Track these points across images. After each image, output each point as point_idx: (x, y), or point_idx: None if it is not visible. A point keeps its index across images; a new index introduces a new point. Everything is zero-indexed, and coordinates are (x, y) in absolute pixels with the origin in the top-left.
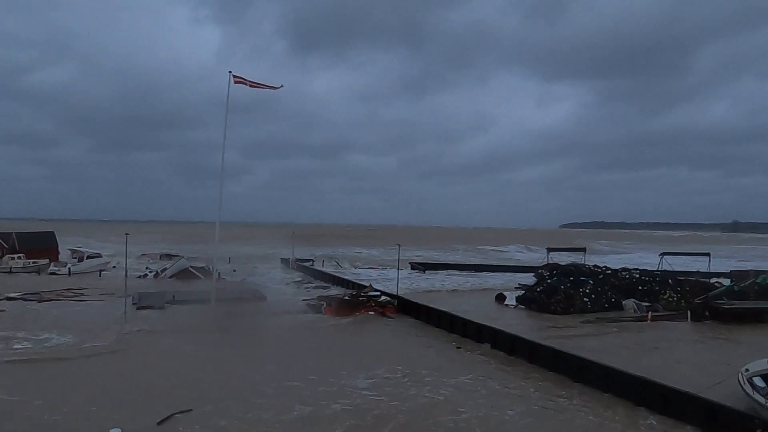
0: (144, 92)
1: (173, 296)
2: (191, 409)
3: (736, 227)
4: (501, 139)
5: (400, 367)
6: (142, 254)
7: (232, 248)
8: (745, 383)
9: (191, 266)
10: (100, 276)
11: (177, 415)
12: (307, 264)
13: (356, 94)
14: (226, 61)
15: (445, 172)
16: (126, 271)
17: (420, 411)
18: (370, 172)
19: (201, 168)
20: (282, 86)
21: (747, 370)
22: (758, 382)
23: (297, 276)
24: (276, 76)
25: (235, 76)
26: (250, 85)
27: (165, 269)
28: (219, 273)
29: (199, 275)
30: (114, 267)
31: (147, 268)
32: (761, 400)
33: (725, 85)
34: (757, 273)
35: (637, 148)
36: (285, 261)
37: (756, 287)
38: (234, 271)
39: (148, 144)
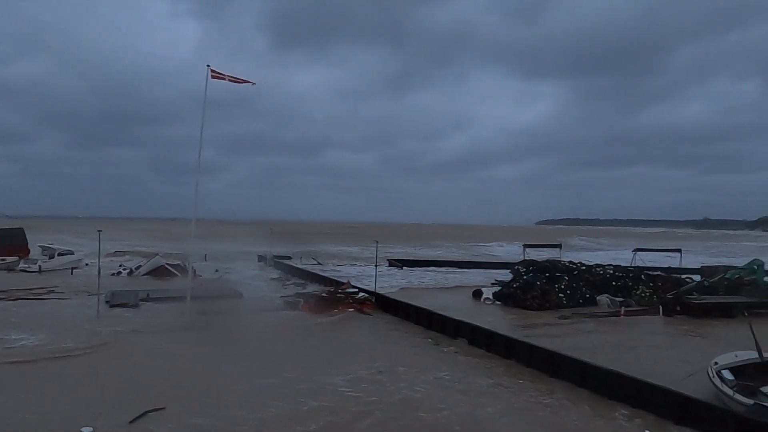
0: (121, 87)
1: (148, 294)
2: (164, 407)
3: (706, 224)
4: (480, 137)
5: (377, 364)
6: (116, 251)
7: (209, 245)
8: (714, 376)
9: (167, 263)
10: (72, 274)
11: (150, 413)
12: (284, 261)
13: (337, 91)
14: (205, 56)
15: (425, 170)
16: (99, 269)
17: (398, 408)
18: (350, 169)
19: (178, 164)
20: (255, 84)
21: (716, 363)
22: (726, 374)
23: (274, 273)
24: (256, 72)
25: (212, 71)
26: (229, 80)
27: (140, 266)
28: (195, 270)
29: (176, 272)
30: (87, 264)
31: (121, 265)
32: (729, 391)
33: (699, 85)
34: (726, 269)
35: (613, 147)
36: (262, 258)
37: (725, 282)
38: (216, 271)
39: (125, 140)
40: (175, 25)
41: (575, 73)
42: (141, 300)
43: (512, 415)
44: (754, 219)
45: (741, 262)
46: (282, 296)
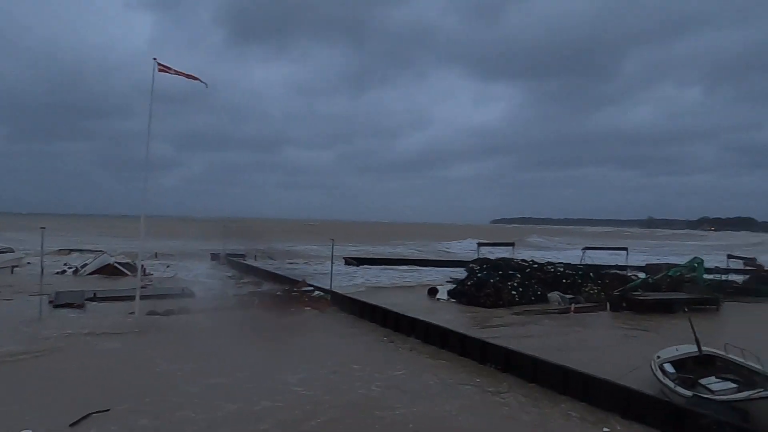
0: (69, 78)
1: (95, 293)
2: (109, 409)
3: (651, 223)
4: (437, 136)
5: (331, 363)
6: (61, 249)
7: (160, 242)
8: (656, 369)
9: (115, 261)
10: (12, 273)
11: (94, 414)
12: (239, 259)
13: (295, 88)
14: (159, 49)
15: (383, 168)
16: (42, 267)
17: (352, 406)
18: (307, 166)
19: (129, 159)
20: (207, 86)
21: (658, 357)
22: (668, 367)
23: (228, 271)
24: (212, 66)
25: (159, 64)
26: (175, 73)
27: (86, 265)
28: (145, 268)
29: (125, 271)
30: (29, 263)
31: (66, 263)
32: (670, 384)
33: (646, 90)
34: (669, 266)
35: (566, 148)
36: (216, 256)
37: (668, 279)
38: (168, 267)
39: (72, 133)
40: (128, 15)
41: (531, 75)
42: (87, 300)
43: (468, 411)
44: (695, 219)
45: (683, 260)
46: (236, 295)
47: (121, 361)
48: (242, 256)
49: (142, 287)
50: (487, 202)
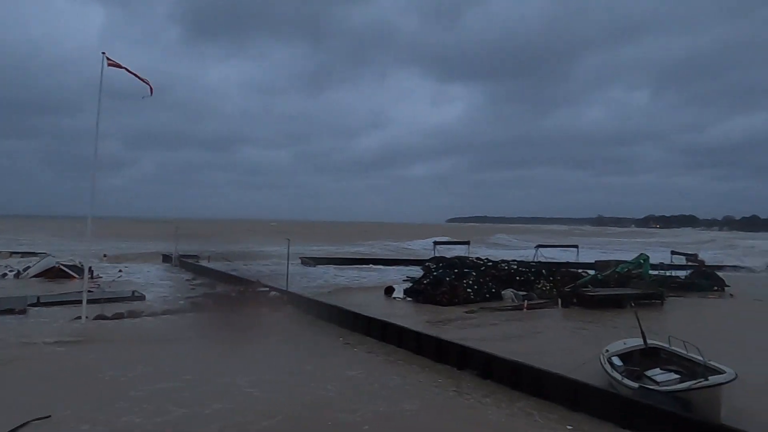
0: (12, 72)
1: (38, 298)
2: (49, 416)
3: (600, 222)
4: (396, 136)
5: (285, 364)
6: (0, 251)
7: (110, 244)
8: (605, 363)
9: (61, 263)
10: None
11: (33, 422)
12: (192, 261)
13: (253, 87)
14: (110, 44)
15: (341, 168)
16: None
17: (306, 407)
18: (264, 165)
19: (77, 158)
20: (151, 93)
21: (607, 350)
22: (616, 361)
23: (181, 273)
24: (168, 64)
25: (108, 59)
26: (125, 70)
27: (29, 267)
28: (92, 271)
29: (72, 274)
30: None
31: (7, 266)
32: (618, 376)
33: (599, 92)
34: (618, 263)
35: (520, 148)
36: (168, 258)
37: (616, 275)
38: (120, 271)
39: (16, 131)
40: (78, 8)
41: (488, 76)
42: (30, 305)
43: (425, 410)
44: (642, 217)
45: (630, 256)
46: (188, 297)
47: (64, 368)
48: (195, 257)
49: (89, 291)
50: (443, 201)
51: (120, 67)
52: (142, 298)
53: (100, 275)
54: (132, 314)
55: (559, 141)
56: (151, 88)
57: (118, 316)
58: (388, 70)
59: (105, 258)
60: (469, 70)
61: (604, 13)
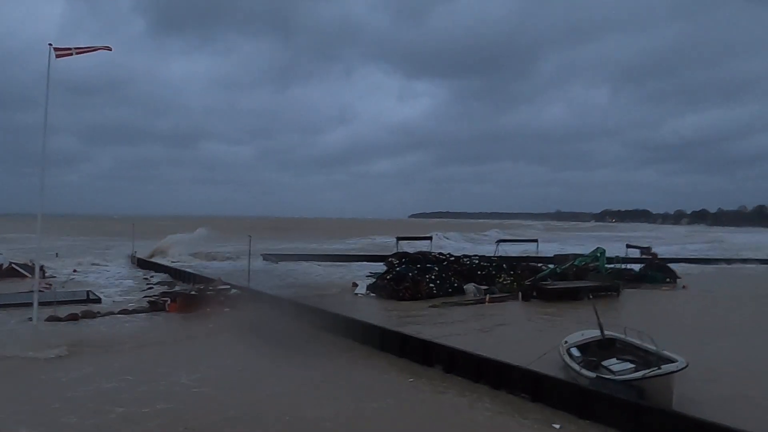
0: None
1: None
2: None
3: (559, 216)
4: (360, 132)
5: (241, 361)
6: None
7: (65, 242)
8: (564, 353)
9: (12, 262)
10: None
11: None
12: (150, 259)
13: (217, 81)
14: (70, 36)
15: (304, 163)
16: None
17: (259, 404)
18: (226, 161)
19: (29, 153)
20: (111, 49)
21: (566, 342)
22: (575, 351)
23: (138, 272)
24: (130, 57)
25: (56, 49)
26: (77, 53)
27: None
28: (44, 271)
29: (24, 273)
30: None
31: None
32: (576, 367)
33: (559, 90)
34: (575, 257)
35: (483, 144)
36: (125, 256)
37: (574, 269)
38: (75, 271)
39: None
40: (37, 2)
41: (454, 73)
42: None
43: (385, 406)
44: (599, 211)
45: (587, 250)
46: (146, 297)
47: (6, 371)
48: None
49: (41, 291)
50: (406, 196)
51: (69, 52)
52: (98, 299)
53: (54, 275)
54: (87, 315)
55: (521, 137)
56: (109, 48)
57: (72, 318)
58: (355, 65)
59: (57, 256)
60: (435, 67)
61: (567, 12)
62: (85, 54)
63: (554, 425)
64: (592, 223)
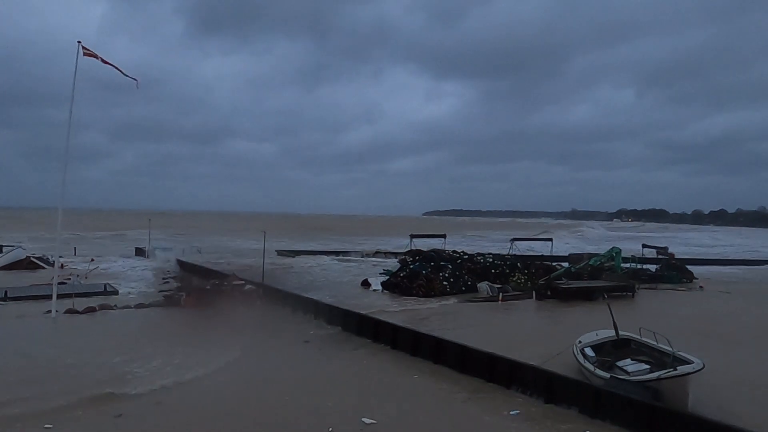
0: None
1: (5, 292)
2: None
3: (574, 215)
4: (385, 130)
5: (252, 355)
6: None
7: (87, 235)
8: (578, 354)
9: (31, 255)
10: None
11: None
12: (166, 254)
13: (249, 82)
14: (109, 37)
15: (325, 162)
16: None
17: (271, 398)
18: (249, 159)
19: (58, 149)
20: (137, 82)
21: (580, 342)
22: (588, 352)
23: (155, 266)
24: (166, 57)
25: (84, 48)
26: (103, 62)
27: None
28: (63, 264)
29: (43, 265)
30: None
31: None
32: (590, 367)
33: (587, 91)
34: (590, 256)
35: (505, 144)
36: (140, 251)
37: (589, 269)
38: (92, 260)
39: None
40: (79, 3)
41: (483, 74)
42: None
43: (400, 406)
44: (614, 211)
45: (602, 249)
46: (161, 291)
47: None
48: (170, 250)
49: (60, 284)
50: (423, 194)
51: (96, 57)
52: (115, 292)
53: (74, 267)
54: (104, 308)
55: (545, 137)
56: (136, 81)
57: (90, 310)
58: (384, 66)
59: (76, 252)
60: (465, 68)
61: (597, 14)
62: (108, 65)
63: (562, 425)
64: (607, 222)
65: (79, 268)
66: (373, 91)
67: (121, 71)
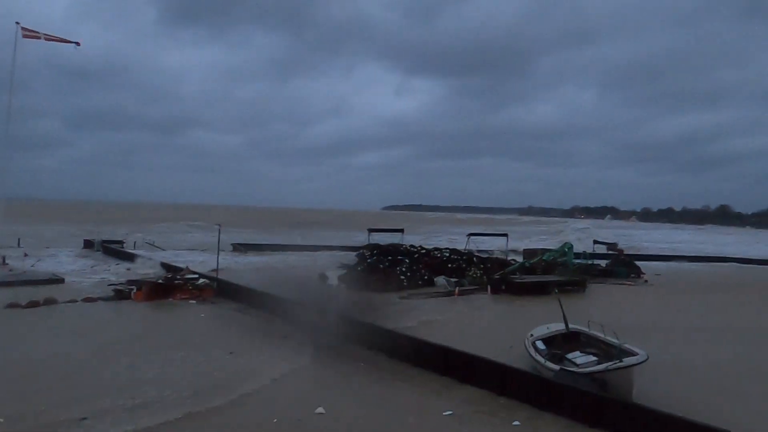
0: None
1: None
2: None
3: (530, 211)
4: (352, 124)
5: (203, 352)
6: None
7: (29, 227)
8: (530, 346)
9: None
10: None
11: None
12: (116, 246)
13: (219, 73)
14: (77, 23)
15: (291, 154)
16: None
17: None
18: (213, 150)
19: (14, 137)
20: (79, 44)
21: (532, 335)
22: (540, 344)
23: (104, 259)
24: (136, 45)
25: (23, 29)
26: (46, 39)
27: None
28: (3, 257)
29: None
30: None
31: None
32: (541, 360)
33: (552, 90)
34: (544, 251)
35: (471, 140)
36: (89, 243)
37: (543, 263)
38: (25, 255)
39: None
40: None
41: (454, 72)
42: None
43: (363, 403)
44: (569, 208)
45: (555, 245)
46: (111, 284)
47: None
48: (120, 242)
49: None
50: (384, 188)
51: (38, 36)
52: (60, 280)
53: (9, 263)
54: (48, 302)
55: (509, 135)
56: (77, 43)
57: (34, 305)
58: (356, 61)
59: (19, 243)
60: (437, 65)
61: (568, 16)
62: (52, 41)
63: (515, 423)
64: (561, 219)
65: (22, 262)
66: (344, 86)
67: (60, 39)
